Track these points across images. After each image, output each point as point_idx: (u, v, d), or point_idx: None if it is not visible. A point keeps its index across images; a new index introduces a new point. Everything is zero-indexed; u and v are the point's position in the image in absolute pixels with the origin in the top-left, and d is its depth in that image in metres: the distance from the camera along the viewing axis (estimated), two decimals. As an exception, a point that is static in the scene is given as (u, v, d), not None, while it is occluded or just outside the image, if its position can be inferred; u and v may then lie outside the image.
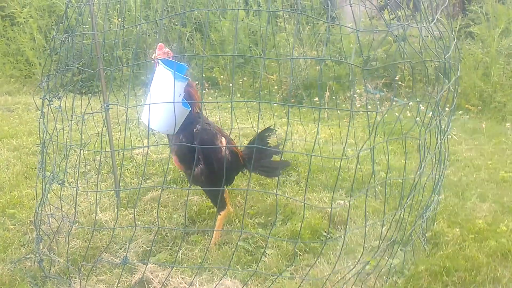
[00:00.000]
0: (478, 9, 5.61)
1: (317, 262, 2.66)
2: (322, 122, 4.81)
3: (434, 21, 2.30)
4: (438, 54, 2.43)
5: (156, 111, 2.27)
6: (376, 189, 3.41)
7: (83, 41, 3.23)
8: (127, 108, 2.06)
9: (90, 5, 2.97)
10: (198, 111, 2.78)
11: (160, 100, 2.17)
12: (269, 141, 3.19)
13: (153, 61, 2.44)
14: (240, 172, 3.20)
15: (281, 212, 3.22)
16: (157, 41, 2.99)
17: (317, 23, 6.03)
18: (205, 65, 6.71)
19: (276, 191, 2.32)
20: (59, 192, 3.24)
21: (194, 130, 2.78)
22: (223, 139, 2.94)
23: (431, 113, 2.49)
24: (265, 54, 4.25)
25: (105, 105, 2.25)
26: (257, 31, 6.50)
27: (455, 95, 2.60)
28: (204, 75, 6.59)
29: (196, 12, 6.76)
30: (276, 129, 3.26)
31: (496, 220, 2.99)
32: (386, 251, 2.58)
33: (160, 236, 2.94)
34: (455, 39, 2.52)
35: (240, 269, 2.59)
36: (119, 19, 6.70)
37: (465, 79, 5.26)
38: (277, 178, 3.19)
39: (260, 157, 3.10)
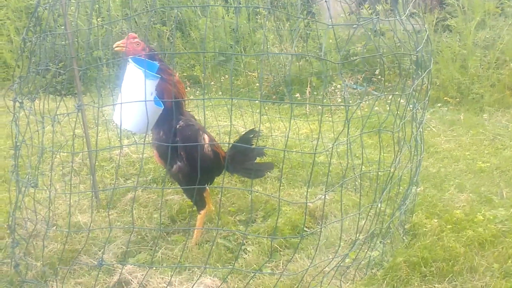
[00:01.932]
0: (455, 2, 5.67)
1: (297, 257, 2.67)
2: (303, 117, 4.81)
3: (406, 14, 2.31)
4: (412, 48, 2.45)
5: (128, 110, 2.24)
6: (356, 182, 3.43)
7: (62, 42, 3.20)
8: (99, 108, 2.04)
9: (62, 5, 2.93)
10: (186, 109, 2.74)
11: (132, 100, 2.15)
12: (253, 144, 3.14)
13: (123, 58, 2.40)
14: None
15: (262, 209, 3.22)
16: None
17: (297, 19, 6.04)
18: (186, 63, 6.69)
19: (251, 187, 2.31)
20: (37, 195, 3.21)
21: (177, 126, 2.74)
22: (206, 136, 2.92)
23: (409, 105, 2.52)
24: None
25: (76, 106, 2.22)
26: (237, 29, 6.49)
27: (429, 87, 2.62)
28: (185, 74, 6.56)
29: (176, 11, 6.72)
30: (261, 131, 3.23)
31: (473, 210, 3.03)
32: (366, 243, 2.60)
33: (139, 237, 2.92)
34: (427, 31, 2.54)
35: (220, 267, 2.58)
36: (98, 19, 6.63)
37: (443, 72, 5.32)
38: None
39: (244, 160, 3.05)
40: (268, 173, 3.71)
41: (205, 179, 2.94)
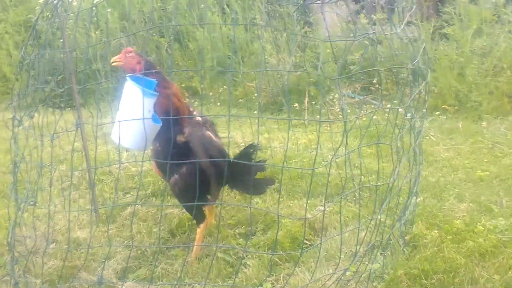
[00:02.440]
0: (452, 10, 5.70)
1: (298, 270, 2.66)
2: (302, 127, 4.82)
3: (402, 27, 2.33)
4: (409, 59, 2.46)
5: (126, 128, 2.25)
6: (356, 194, 3.43)
7: (61, 56, 3.21)
8: (97, 127, 2.04)
9: (61, 20, 2.94)
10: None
11: (129, 117, 2.16)
12: (253, 158, 2.98)
13: (121, 71, 2.41)
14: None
15: (262, 221, 3.21)
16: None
17: (294, 30, 6.07)
18: (184, 74, 6.71)
19: (250, 201, 2.31)
20: (36, 210, 3.20)
21: (184, 136, 2.72)
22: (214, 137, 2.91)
23: (407, 115, 2.52)
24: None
25: (75, 124, 2.22)
26: (235, 39, 6.52)
27: (426, 98, 2.63)
28: (183, 85, 6.58)
29: (174, 22, 6.76)
30: (259, 146, 3.16)
31: (473, 220, 3.02)
32: (366, 256, 2.60)
33: (139, 252, 2.91)
34: (424, 43, 2.55)
35: (220, 282, 2.57)
36: (96, 32, 6.66)
37: (441, 80, 5.33)
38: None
39: (243, 176, 2.88)
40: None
41: (204, 191, 2.90)
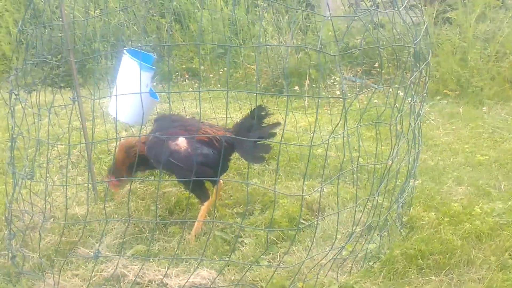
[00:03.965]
0: (455, -6, 5.63)
1: (294, 249, 2.67)
2: (302, 110, 4.80)
3: (404, 6, 2.30)
4: (410, 40, 2.43)
5: (123, 102, 2.23)
6: (354, 175, 3.42)
7: (60, 35, 3.18)
8: (95, 100, 2.03)
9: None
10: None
11: (127, 92, 2.14)
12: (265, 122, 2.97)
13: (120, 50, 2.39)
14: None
15: (260, 201, 3.22)
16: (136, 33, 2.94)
17: (296, 12, 6.00)
18: (185, 55, 6.66)
19: (247, 179, 2.30)
20: (35, 187, 3.21)
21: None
22: (180, 139, 2.81)
23: (408, 98, 2.51)
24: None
25: (71, 98, 2.21)
26: (236, 21, 6.45)
27: (426, 79, 2.60)
28: (184, 66, 6.54)
29: (175, 3, 6.68)
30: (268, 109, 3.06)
31: (471, 203, 3.03)
32: (363, 236, 2.61)
33: (137, 229, 2.92)
34: (426, 24, 2.52)
35: (217, 259, 2.58)
36: (96, 11, 6.59)
37: (443, 65, 5.29)
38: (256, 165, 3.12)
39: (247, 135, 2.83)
40: (266, 165, 3.71)
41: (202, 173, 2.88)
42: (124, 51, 2.33)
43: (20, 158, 2.98)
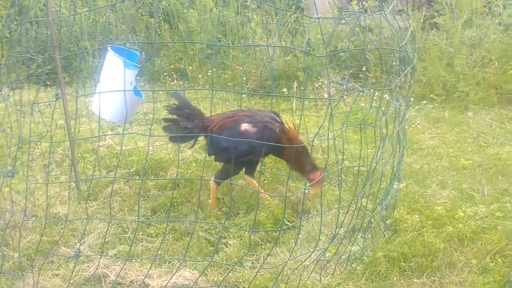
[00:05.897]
0: (443, 0, 5.69)
1: (278, 250, 2.67)
2: (289, 112, 4.80)
3: (389, 10, 2.31)
4: (397, 44, 2.45)
5: (107, 100, 2.21)
6: (339, 177, 3.43)
7: (46, 32, 3.13)
8: (80, 98, 2.00)
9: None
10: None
11: (110, 89, 2.12)
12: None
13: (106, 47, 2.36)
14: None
15: (245, 202, 3.21)
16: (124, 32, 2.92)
17: (286, 14, 6.03)
18: (173, 56, 6.64)
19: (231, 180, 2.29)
20: (17, 185, 3.16)
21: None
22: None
23: (393, 101, 2.52)
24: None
25: (55, 95, 2.18)
26: (226, 22, 6.45)
27: (412, 82, 2.62)
28: (172, 66, 6.51)
29: (164, 2, 6.66)
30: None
31: (454, 206, 3.05)
32: (346, 238, 2.61)
33: (120, 229, 2.89)
34: (412, 28, 2.54)
35: (200, 260, 2.57)
36: (84, 9, 6.54)
37: (429, 69, 5.34)
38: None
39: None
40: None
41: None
42: (109, 48, 2.30)
43: (2, 155, 2.94)
